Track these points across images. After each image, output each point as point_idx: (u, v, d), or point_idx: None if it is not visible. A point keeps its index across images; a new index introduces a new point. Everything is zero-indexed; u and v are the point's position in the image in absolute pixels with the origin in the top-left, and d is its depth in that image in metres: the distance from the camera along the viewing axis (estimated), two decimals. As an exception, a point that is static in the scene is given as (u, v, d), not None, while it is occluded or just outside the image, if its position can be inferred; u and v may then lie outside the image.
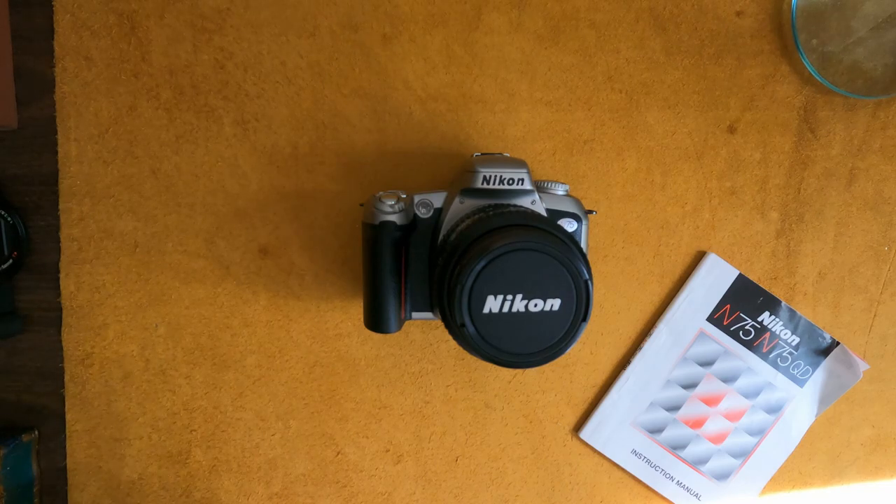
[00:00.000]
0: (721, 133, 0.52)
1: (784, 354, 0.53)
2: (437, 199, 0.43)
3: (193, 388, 0.53)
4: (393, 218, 0.42)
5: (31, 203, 0.51)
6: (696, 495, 0.54)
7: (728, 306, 0.53)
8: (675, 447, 0.54)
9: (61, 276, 0.51)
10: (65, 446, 0.53)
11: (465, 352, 0.41)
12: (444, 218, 0.42)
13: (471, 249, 0.36)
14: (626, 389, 0.53)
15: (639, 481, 0.54)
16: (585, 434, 0.53)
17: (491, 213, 0.39)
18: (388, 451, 0.54)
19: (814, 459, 0.55)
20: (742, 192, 0.52)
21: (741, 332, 0.53)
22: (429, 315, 0.44)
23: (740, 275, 0.52)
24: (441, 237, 0.42)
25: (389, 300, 0.43)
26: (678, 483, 0.54)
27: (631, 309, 0.53)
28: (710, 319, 0.53)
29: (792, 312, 0.53)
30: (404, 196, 0.43)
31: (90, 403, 0.52)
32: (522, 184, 0.41)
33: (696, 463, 0.54)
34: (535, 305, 0.35)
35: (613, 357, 0.54)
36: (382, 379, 0.53)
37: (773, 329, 0.53)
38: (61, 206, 0.51)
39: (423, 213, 0.43)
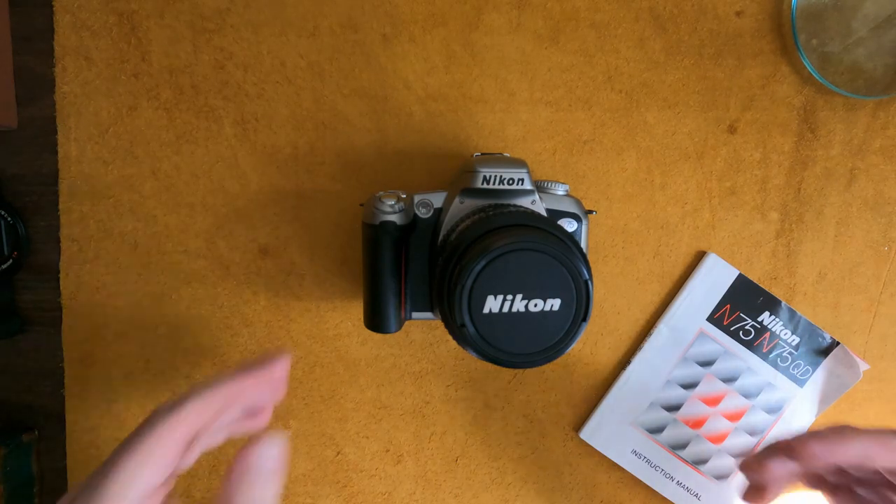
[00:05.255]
0: (721, 133, 0.52)
1: (784, 354, 0.53)
2: (437, 199, 0.43)
3: (193, 388, 0.53)
4: (393, 218, 0.42)
5: (31, 203, 0.51)
6: (696, 495, 0.54)
7: (728, 306, 0.53)
8: (675, 447, 0.54)
9: (61, 276, 0.51)
10: (65, 446, 0.53)
11: (465, 352, 0.41)
12: (444, 218, 0.42)
13: (471, 249, 0.36)
14: (626, 389, 0.53)
15: (639, 481, 0.54)
16: (585, 434, 0.53)
17: (491, 213, 0.39)
18: (388, 451, 0.54)
19: (814, 459, 0.55)
20: (742, 192, 0.52)
21: (741, 332, 0.53)
22: (429, 315, 0.44)
23: (740, 275, 0.52)
24: (441, 237, 0.42)
25: (389, 300, 0.43)
26: (678, 483, 0.54)
27: (631, 309, 0.53)
28: (710, 319, 0.53)
29: (792, 312, 0.53)
30: (404, 196, 0.43)
31: (90, 403, 0.52)
32: (522, 184, 0.41)
33: (696, 463, 0.54)
34: (535, 305, 0.35)
35: (613, 357, 0.54)
36: (382, 379, 0.53)
37: (773, 329, 0.53)
38: (61, 206, 0.51)
39: (423, 213, 0.43)
